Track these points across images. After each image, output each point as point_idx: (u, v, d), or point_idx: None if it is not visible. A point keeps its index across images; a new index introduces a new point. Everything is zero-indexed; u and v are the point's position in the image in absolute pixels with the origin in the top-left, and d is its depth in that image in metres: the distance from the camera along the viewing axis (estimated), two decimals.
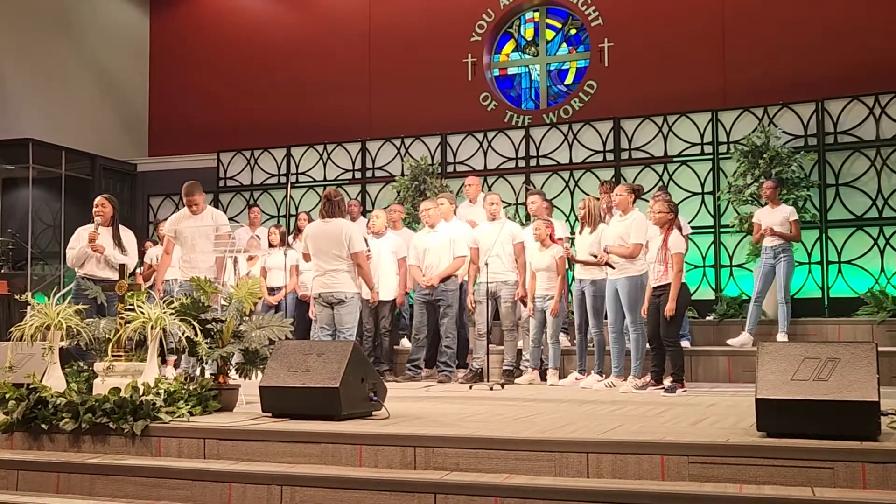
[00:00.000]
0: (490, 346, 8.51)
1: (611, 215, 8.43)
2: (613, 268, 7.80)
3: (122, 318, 5.88)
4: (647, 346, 7.65)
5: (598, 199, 8.69)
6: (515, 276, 8.62)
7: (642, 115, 11.54)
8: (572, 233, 9.53)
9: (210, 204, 8.40)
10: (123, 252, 8.18)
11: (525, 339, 8.79)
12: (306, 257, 8.16)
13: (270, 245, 10.17)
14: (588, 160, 11.74)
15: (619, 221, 7.92)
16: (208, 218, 8.13)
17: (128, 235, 8.37)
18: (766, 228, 9.05)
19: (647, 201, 8.57)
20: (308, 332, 8.92)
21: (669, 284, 7.24)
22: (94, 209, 8.27)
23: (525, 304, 8.61)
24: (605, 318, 8.04)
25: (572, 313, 8.71)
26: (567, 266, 8.62)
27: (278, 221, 12.42)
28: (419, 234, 9.29)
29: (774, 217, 9.12)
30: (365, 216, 11.14)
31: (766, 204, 9.34)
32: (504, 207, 11.35)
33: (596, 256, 7.96)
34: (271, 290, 9.87)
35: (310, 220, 10.38)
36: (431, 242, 8.91)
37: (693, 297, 10.51)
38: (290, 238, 10.50)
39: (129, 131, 15.04)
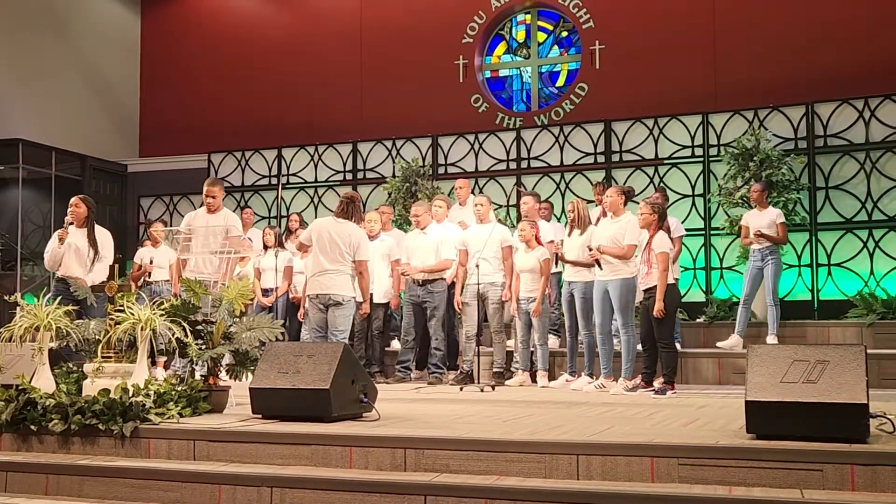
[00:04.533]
0: (479, 347, 8.51)
1: (605, 216, 8.45)
2: (601, 268, 7.80)
3: (111, 319, 5.86)
4: (640, 347, 7.67)
5: (591, 200, 8.70)
6: (503, 278, 8.62)
7: (633, 117, 11.56)
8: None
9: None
10: (97, 252, 8.15)
11: (514, 341, 8.79)
12: (303, 248, 8.05)
13: (265, 246, 10.11)
14: (579, 162, 11.75)
15: (611, 223, 7.93)
16: (221, 218, 8.02)
17: (103, 236, 8.35)
18: (754, 232, 9.09)
19: (639, 203, 8.57)
20: (300, 335, 8.90)
21: (656, 286, 7.28)
22: (68, 209, 8.26)
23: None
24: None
25: (562, 315, 8.71)
26: (556, 267, 8.63)
27: (269, 223, 12.40)
28: (408, 236, 9.37)
29: (762, 220, 9.16)
30: None
31: (754, 207, 9.39)
32: (495, 209, 11.40)
33: (591, 249, 7.94)
34: (265, 292, 9.83)
35: (301, 221, 10.36)
36: (419, 244, 8.97)
37: (683, 300, 10.56)
38: (283, 238, 10.46)
39: (120, 132, 15.00)
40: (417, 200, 10.01)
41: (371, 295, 9.06)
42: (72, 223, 8.20)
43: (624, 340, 7.75)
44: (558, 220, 11.14)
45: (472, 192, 11.04)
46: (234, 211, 12.66)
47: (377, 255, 9.12)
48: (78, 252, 8.14)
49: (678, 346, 9.17)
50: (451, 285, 8.90)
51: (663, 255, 7.29)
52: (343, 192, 12.62)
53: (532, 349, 8.55)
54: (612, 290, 7.75)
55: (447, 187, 11.43)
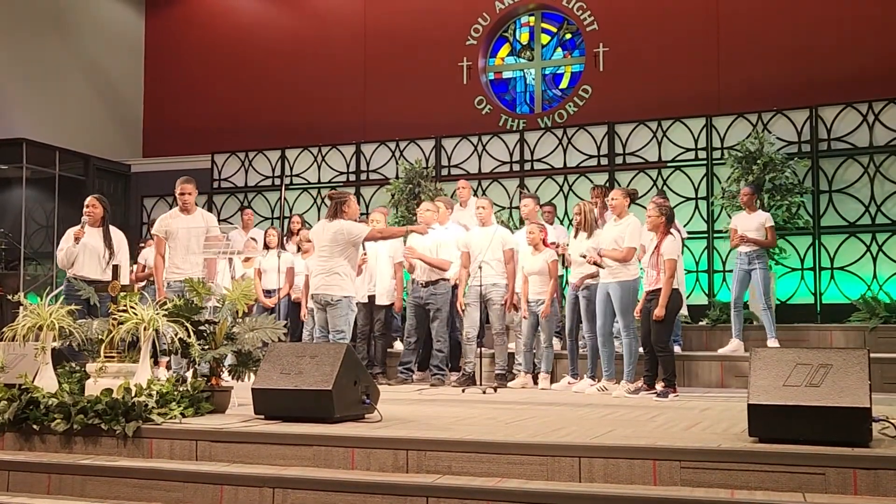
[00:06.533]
0: (481, 349, 8.51)
1: (603, 220, 8.46)
2: (603, 268, 7.81)
3: (114, 318, 5.86)
4: (641, 350, 7.67)
5: (592, 202, 8.70)
6: (505, 280, 8.62)
7: (637, 119, 11.56)
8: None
9: (204, 205, 8.37)
10: (112, 252, 8.17)
11: (517, 343, 8.79)
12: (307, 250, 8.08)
13: (267, 247, 10.10)
14: (582, 165, 11.75)
15: (615, 225, 7.95)
16: (199, 218, 8.05)
17: (118, 236, 8.38)
18: (740, 235, 9.04)
19: (644, 207, 8.56)
20: (301, 337, 8.92)
21: (661, 289, 7.26)
22: (84, 209, 8.27)
23: (517, 309, 8.61)
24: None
25: (564, 317, 8.70)
26: (563, 267, 8.65)
27: (272, 223, 12.41)
28: (411, 237, 9.30)
29: (750, 223, 9.10)
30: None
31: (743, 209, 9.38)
32: (498, 211, 11.40)
33: (584, 256, 7.96)
34: (268, 293, 9.82)
35: (303, 222, 10.40)
36: (421, 245, 8.91)
37: (686, 303, 10.56)
38: (284, 240, 10.47)
39: (124, 132, 15.02)
40: (422, 202, 9.99)
41: (373, 297, 9.08)
42: (88, 223, 8.21)
43: (626, 343, 7.75)
44: (561, 222, 11.15)
45: (475, 194, 11.06)
46: (235, 212, 12.77)
47: (381, 255, 9.12)
48: (93, 252, 8.14)
49: (678, 348, 9.18)
50: (455, 286, 8.89)
51: (671, 261, 7.25)
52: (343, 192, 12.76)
53: (534, 350, 8.55)
54: (612, 293, 7.76)
55: (450, 189, 11.42)
